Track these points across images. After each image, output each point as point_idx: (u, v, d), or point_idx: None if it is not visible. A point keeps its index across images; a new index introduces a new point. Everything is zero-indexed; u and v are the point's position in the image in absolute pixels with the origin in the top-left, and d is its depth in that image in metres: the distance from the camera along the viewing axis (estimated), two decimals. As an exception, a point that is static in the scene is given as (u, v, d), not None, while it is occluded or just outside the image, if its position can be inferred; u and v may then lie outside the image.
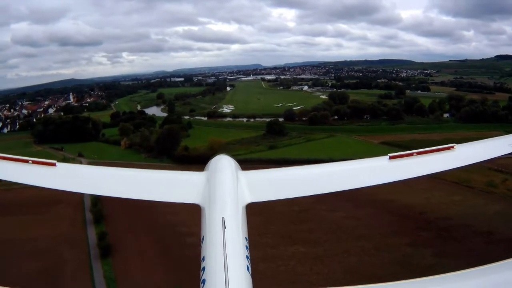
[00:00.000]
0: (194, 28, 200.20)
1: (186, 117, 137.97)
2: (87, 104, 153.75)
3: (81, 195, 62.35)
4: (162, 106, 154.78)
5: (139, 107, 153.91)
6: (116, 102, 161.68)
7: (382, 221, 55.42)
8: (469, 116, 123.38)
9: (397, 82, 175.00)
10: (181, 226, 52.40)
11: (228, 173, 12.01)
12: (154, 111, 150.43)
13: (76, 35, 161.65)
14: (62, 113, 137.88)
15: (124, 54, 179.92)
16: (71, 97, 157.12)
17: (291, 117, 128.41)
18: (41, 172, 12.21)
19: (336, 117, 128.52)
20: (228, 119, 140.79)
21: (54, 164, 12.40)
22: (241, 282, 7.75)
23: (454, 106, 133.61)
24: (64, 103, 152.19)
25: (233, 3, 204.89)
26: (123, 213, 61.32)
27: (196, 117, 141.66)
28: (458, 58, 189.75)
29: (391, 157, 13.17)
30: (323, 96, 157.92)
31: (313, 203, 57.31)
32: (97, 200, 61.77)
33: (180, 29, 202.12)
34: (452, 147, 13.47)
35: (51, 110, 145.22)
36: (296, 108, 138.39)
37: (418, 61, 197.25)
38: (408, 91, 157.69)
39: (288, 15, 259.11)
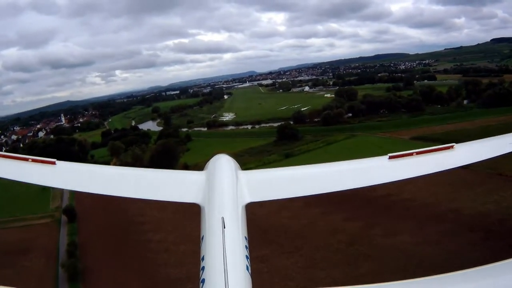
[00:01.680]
0: (185, 41, 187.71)
1: (184, 130, 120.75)
2: (79, 125, 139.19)
3: (55, 241, 53.89)
4: (158, 120, 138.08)
5: (133, 123, 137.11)
6: (110, 120, 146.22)
7: (467, 245, 40.56)
8: (492, 100, 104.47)
9: (399, 74, 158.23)
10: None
11: (228, 173, 10.60)
12: (149, 126, 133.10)
13: (67, 57, 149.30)
14: (52, 136, 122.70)
15: (117, 72, 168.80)
16: (63, 118, 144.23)
17: (301, 119, 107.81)
18: (41, 171, 10.71)
19: (350, 114, 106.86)
20: (231, 127, 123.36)
21: (54, 163, 10.94)
22: (240, 281, 6.96)
23: (472, 91, 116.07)
24: (55, 125, 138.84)
25: (220, 11, 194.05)
26: (107, 267, 47.62)
27: (195, 129, 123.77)
28: (452, 46, 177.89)
29: (390, 157, 11.28)
30: (328, 95, 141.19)
31: (363, 229, 48.58)
32: (74, 248, 50.96)
33: (170, 42, 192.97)
34: (452, 146, 11.47)
35: (41, 134, 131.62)
36: (304, 109, 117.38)
37: (413, 53, 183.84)
38: (415, 82, 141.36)
39: (277, 19, 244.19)
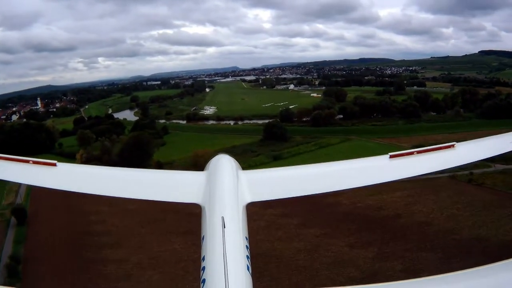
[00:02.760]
0: (169, 32, 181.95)
1: (162, 121, 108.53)
2: (54, 110, 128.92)
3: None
4: (136, 110, 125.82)
5: (110, 111, 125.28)
6: (86, 107, 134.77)
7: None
8: (492, 111, 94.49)
9: (386, 78, 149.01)
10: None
11: (228, 173, 9.80)
12: (126, 115, 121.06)
13: (50, 41, 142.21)
14: (24, 120, 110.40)
15: (100, 59, 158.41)
16: (39, 102, 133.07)
17: (289, 118, 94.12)
18: (42, 172, 10.07)
19: (341, 116, 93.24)
20: (211, 122, 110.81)
21: (54, 164, 10.23)
22: (241, 281, 6.56)
23: (469, 101, 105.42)
24: (29, 109, 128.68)
25: (207, 4, 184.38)
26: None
27: (174, 121, 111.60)
28: (438, 55, 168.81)
29: (391, 156, 10.31)
30: (314, 95, 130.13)
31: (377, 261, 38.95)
32: (16, 263, 42.11)
33: (155, 32, 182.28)
34: (453, 145, 10.62)
35: (15, 117, 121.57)
36: (291, 107, 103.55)
37: (398, 59, 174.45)
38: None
39: (264, 16, 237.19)
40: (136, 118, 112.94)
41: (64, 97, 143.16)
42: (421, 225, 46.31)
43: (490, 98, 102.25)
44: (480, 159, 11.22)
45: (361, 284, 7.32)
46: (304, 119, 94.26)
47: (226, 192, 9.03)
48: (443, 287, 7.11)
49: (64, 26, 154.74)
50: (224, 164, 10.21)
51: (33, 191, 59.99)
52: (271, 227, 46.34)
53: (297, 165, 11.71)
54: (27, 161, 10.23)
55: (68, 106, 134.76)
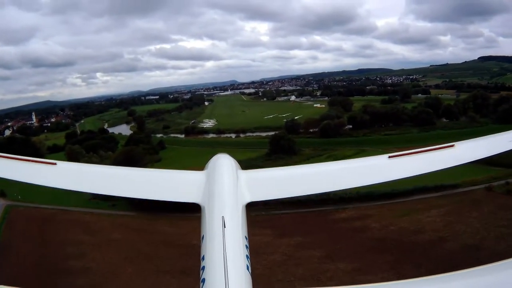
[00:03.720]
0: (167, 46, 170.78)
1: (159, 135, 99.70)
2: (48, 125, 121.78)
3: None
4: (132, 124, 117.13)
5: (105, 126, 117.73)
6: (82, 121, 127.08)
7: None
8: (508, 115, 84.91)
9: (389, 87, 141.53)
10: None
11: (228, 172, 9.40)
12: (122, 129, 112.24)
13: (48, 56, 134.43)
14: (17, 134, 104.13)
15: (98, 74, 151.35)
16: (33, 117, 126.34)
17: (295, 129, 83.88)
18: (42, 171, 9.82)
19: (350, 126, 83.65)
20: (211, 135, 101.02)
21: (54, 163, 10.00)
22: (241, 281, 6.39)
23: (482, 106, 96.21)
24: (27, 123, 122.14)
25: (204, 18, 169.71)
26: None
27: (171, 135, 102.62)
28: (436, 63, 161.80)
29: (390, 156, 9.94)
30: (317, 105, 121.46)
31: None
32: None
33: (152, 47, 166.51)
34: (452, 145, 10.27)
35: (8, 132, 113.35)
36: (296, 117, 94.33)
37: (396, 69, 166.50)
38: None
39: (261, 29, 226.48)
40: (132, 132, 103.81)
41: (61, 112, 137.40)
42: (470, 249, 36.95)
43: (504, 102, 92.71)
44: (479, 158, 10.30)
45: (361, 284, 6.77)
46: (311, 130, 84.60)
47: (225, 192, 8.62)
48: (443, 287, 6.78)
49: (61, 41, 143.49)
50: (223, 164, 9.73)
51: (10, 215, 52.57)
52: (289, 262, 36.44)
53: (297, 165, 11.71)
54: (27, 160, 10.02)
55: (63, 121, 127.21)
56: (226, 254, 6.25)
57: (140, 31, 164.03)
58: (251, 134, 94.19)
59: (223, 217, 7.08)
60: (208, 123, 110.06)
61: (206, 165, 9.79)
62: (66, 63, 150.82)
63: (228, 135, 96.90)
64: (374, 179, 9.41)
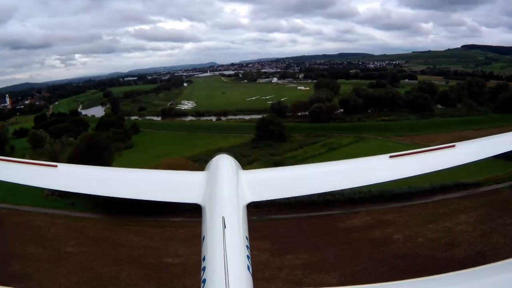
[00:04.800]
0: (146, 27, 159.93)
1: (134, 118, 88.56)
2: (21, 107, 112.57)
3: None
4: (107, 106, 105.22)
5: (80, 108, 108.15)
6: (56, 103, 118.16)
7: None
8: (509, 104, 76.65)
9: (374, 72, 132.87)
10: None
11: (229, 172, 8.91)
12: (97, 111, 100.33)
13: (26, 38, 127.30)
14: None
15: (77, 56, 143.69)
16: (7, 100, 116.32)
17: (282, 113, 72.43)
18: (42, 173, 9.27)
19: (341, 110, 73.19)
20: (190, 118, 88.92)
21: (55, 166, 9.33)
22: (241, 281, 6.09)
23: (477, 93, 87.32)
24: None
25: None
26: None
27: (147, 117, 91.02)
28: (417, 50, 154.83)
29: (391, 156, 9.23)
30: (301, 88, 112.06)
31: None
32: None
33: (131, 28, 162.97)
34: (453, 145, 9.54)
35: None
36: (282, 100, 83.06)
37: (377, 54, 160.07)
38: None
39: (241, 11, 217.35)
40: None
41: (38, 94, 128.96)
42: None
43: (502, 90, 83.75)
44: (480, 158, 9.55)
45: (361, 284, 6.41)
46: (300, 113, 73.71)
47: (226, 192, 8.26)
48: (443, 287, 6.54)
49: (38, 22, 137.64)
50: (224, 164, 9.17)
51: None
52: (296, 290, 25.59)
53: (297, 165, 11.44)
54: (28, 163, 9.45)
55: (37, 103, 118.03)
56: (226, 255, 5.94)
57: (118, 12, 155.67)
58: (233, 117, 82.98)
59: (223, 217, 6.77)
60: (187, 105, 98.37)
61: (207, 165, 9.05)
62: (44, 45, 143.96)
63: (208, 117, 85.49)
64: (375, 179, 8.95)
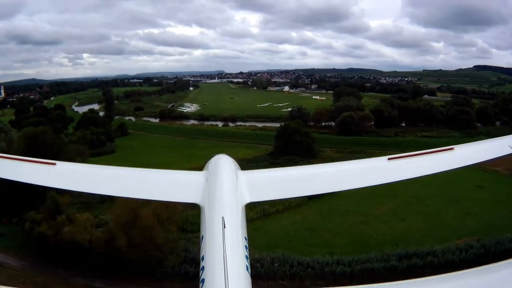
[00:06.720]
0: (155, 31, 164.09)
1: (128, 118, 74.80)
2: (13, 100, 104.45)
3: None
4: (104, 104, 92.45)
5: (76, 104, 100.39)
6: (52, 99, 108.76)
7: None
8: None
9: (394, 87, 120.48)
10: None
11: (228, 173, 8.09)
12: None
13: (34, 33, 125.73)
14: None
15: (85, 55, 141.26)
16: (2, 91, 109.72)
17: (303, 121, 56.54)
18: (41, 171, 8.28)
19: (372, 123, 57.88)
20: (192, 122, 73.58)
21: (54, 164, 8.34)
22: (240, 281, 5.66)
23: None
24: None
25: (194, 4, 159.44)
26: None
27: (144, 118, 76.50)
28: (426, 69, 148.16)
29: (390, 158, 8.38)
30: (317, 97, 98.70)
31: None
32: None
33: (140, 31, 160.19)
34: (452, 148, 8.57)
35: None
36: (303, 106, 68.74)
37: (387, 71, 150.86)
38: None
39: (251, 20, 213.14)
40: (102, 112, 77.89)
41: (39, 89, 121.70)
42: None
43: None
44: (478, 161, 8.86)
45: (361, 284, 6.27)
46: (325, 124, 57.81)
47: (225, 192, 7.58)
48: (443, 287, 6.12)
49: (47, 18, 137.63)
50: (223, 164, 8.45)
51: None
52: None
53: (297, 166, 10.20)
54: (26, 160, 8.59)
55: (32, 97, 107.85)
56: (225, 254, 5.50)
57: (128, 12, 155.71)
58: (242, 123, 67.74)
59: (223, 217, 6.19)
60: (190, 108, 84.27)
61: (206, 165, 8.33)
62: (52, 41, 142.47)
63: (214, 122, 70.62)
64: (374, 181, 8.09)
